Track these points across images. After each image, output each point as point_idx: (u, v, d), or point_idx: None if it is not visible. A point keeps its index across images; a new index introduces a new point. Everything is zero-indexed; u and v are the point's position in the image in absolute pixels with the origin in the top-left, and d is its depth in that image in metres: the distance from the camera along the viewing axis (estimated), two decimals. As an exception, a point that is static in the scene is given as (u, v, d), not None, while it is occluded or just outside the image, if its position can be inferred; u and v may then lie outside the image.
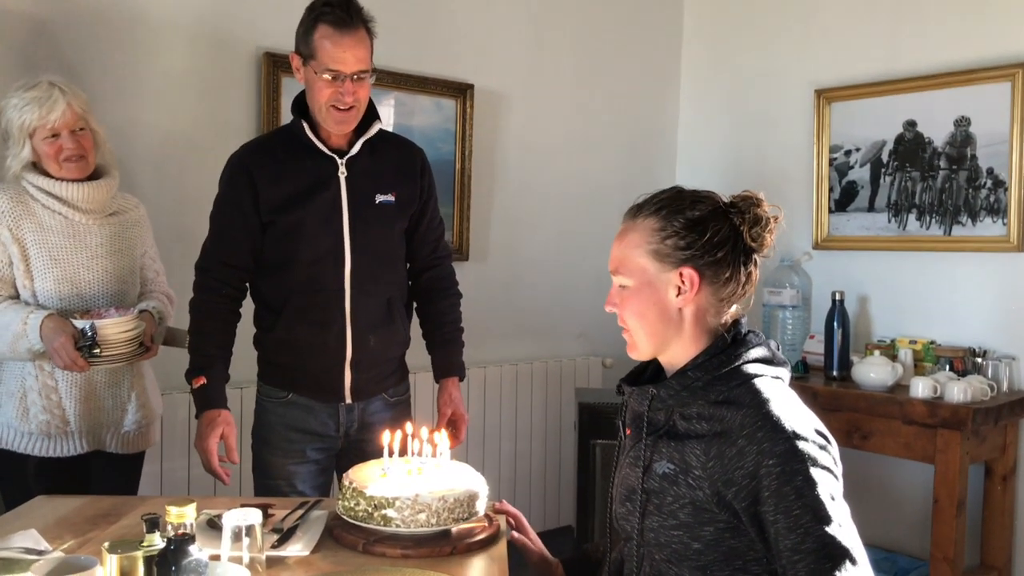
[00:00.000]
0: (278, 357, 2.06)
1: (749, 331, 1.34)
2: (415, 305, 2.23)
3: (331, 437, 2.07)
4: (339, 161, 2.01)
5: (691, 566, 1.27)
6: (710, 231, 1.29)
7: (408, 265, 2.19)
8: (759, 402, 1.24)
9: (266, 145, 2.07)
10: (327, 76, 1.90)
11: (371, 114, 2.04)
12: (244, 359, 2.12)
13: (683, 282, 1.30)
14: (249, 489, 2.58)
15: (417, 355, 2.26)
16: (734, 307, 1.35)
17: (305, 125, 1.98)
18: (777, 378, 1.31)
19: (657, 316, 1.32)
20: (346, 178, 2.01)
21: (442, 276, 2.22)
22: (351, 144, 2.02)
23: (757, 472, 1.19)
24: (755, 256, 1.33)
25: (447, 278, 2.23)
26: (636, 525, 1.32)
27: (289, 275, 2.01)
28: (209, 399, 1.98)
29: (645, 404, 1.35)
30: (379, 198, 2.04)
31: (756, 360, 1.30)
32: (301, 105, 2.02)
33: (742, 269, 1.32)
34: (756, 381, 1.27)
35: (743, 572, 1.26)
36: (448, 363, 2.21)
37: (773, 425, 1.21)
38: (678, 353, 1.34)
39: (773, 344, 1.36)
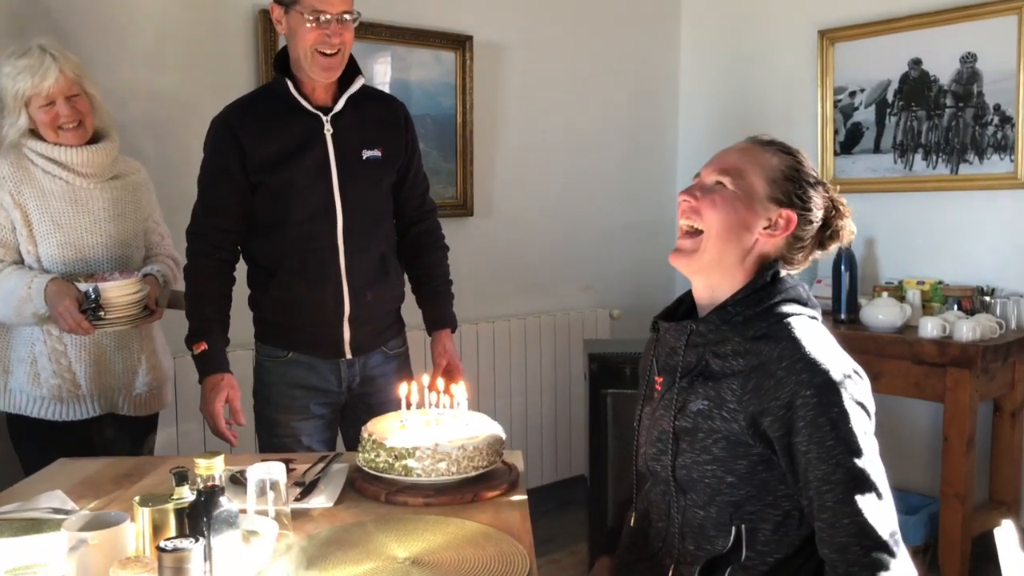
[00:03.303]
0: (276, 317, 2.06)
1: (787, 273, 1.37)
2: (405, 247, 2.22)
3: (334, 392, 2.09)
4: (324, 118, 1.99)
5: (723, 502, 1.29)
6: (822, 200, 1.37)
7: (398, 215, 2.19)
8: (796, 337, 1.26)
9: (249, 105, 2.04)
10: (312, 19, 1.88)
11: (354, 70, 2.03)
12: (244, 321, 2.13)
13: (778, 220, 1.34)
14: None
15: (417, 310, 2.27)
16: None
17: (289, 83, 1.97)
18: (813, 318, 1.33)
19: (736, 229, 1.33)
20: (332, 135, 2.00)
21: (430, 230, 2.23)
22: (335, 101, 2.01)
23: (793, 402, 1.21)
24: (817, 250, 1.41)
25: (434, 232, 2.24)
26: (668, 463, 1.33)
27: (282, 235, 2.01)
28: (211, 364, 1.99)
29: (682, 340, 1.35)
30: (366, 154, 2.04)
31: (792, 300, 1.32)
32: (283, 63, 2.01)
33: (813, 250, 1.40)
34: (792, 319, 1.29)
35: (773, 508, 1.28)
36: (440, 315, 2.22)
37: (811, 358, 1.23)
38: (722, 283, 1.34)
39: (807, 287, 1.38)
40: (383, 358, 2.13)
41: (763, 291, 1.32)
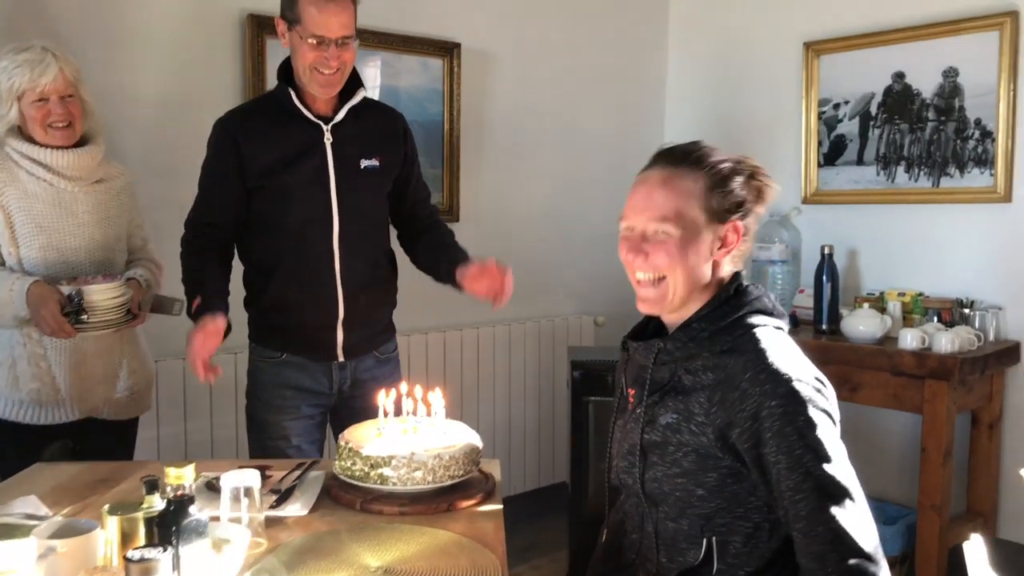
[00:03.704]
0: (271, 319, 2.10)
1: (749, 283, 1.38)
2: (415, 246, 2.25)
3: (325, 394, 2.12)
4: (325, 128, 2.04)
5: (694, 515, 1.30)
6: (751, 189, 1.36)
7: (405, 224, 2.25)
8: (761, 348, 1.27)
9: (252, 111, 2.10)
10: (312, 41, 1.92)
11: (355, 81, 2.07)
12: (239, 324, 2.13)
13: (727, 236, 1.34)
14: (246, 451, 2.60)
15: (405, 317, 2.29)
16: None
17: (291, 92, 2.01)
18: (779, 328, 1.34)
19: (696, 264, 1.34)
20: (332, 144, 2.04)
21: (434, 219, 2.28)
22: (336, 111, 2.05)
23: (759, 414, 1.22)
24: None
25: (440, 221, 2.29)
26: (637, 477, 1.34)
27: (279, 239, 2.05)
28: (205, 309, 1.93)
29: (650, 358, 1.36)
30: (364, 163, 2.08)
31: (758, 311, 1.33)
32: (286, 71, 2.05)
33: (754, 228, 1.40)
34: (758, 331, 1.30)
35: (744, 520, 1.29)
36: (458, 256, 2.14)
37: (775, 369, 1.24)
38: (692, 306, 1.36)
39: (771, 296, 1.38)
40: (374, 362, 2.17)
41: (727, 305, 1.33)
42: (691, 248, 1.33)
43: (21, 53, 1.99)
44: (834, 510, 1.18)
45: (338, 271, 2.05)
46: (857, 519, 1.19)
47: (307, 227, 2.03)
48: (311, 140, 2.02)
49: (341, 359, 2.10)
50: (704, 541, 1.29)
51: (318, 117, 2.03)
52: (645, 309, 1.38)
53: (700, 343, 1.32)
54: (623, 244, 1.38)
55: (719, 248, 1.35)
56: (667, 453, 1.31)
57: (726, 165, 1.35)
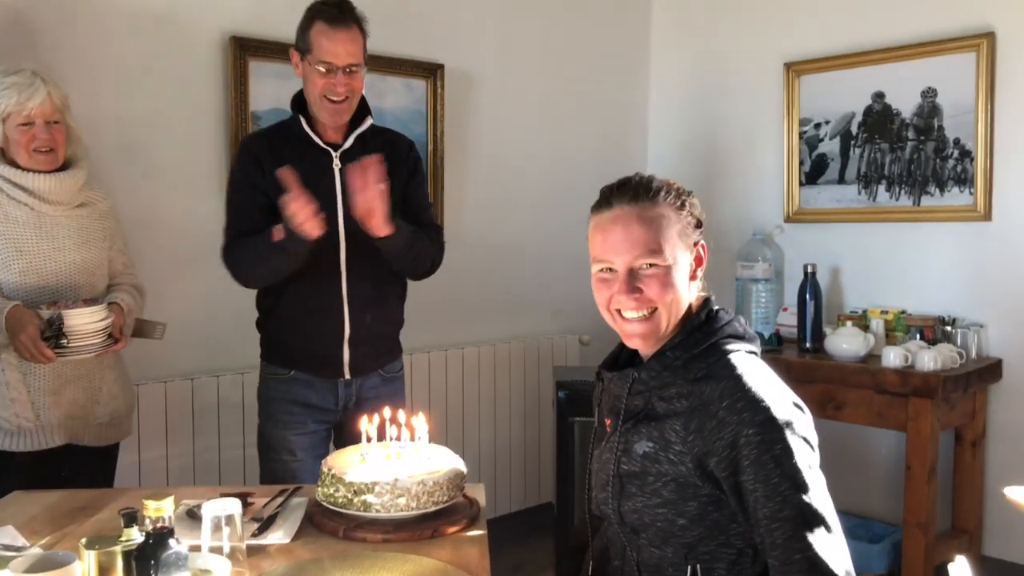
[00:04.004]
0: (280, 337, 2.18)
1: (719, 308, 1.38)
2: None
3: (331, 411, 2.18)
4: (334, 154, 2.12)
5: (677, 544, 1.29)
6: (695, 206, 1.38)
7: None
8: (737, 375, 1.26)
9: (270, 134, 2.21)
10: (321, 68, 2.03)
11: (364, 109, 2.17)
12: (251, 343, 2.21)
13: (699, 254, 1.37)
14: (233, 473, 2.58)
15: (411, 336, 2.32)
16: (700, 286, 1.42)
17: (302, 120, 2.11)
18: (752, 352, 1.34)
19: (682, 292, 1.35)
20: (340, 170, 2.10)
21: (427, 231, 2.21)
22: (345, 138, 2.14)
23: (736, 442, 1.21)
24: None
25: (431, 234, 2.22)
26: (615, 508, 1.34)
27: None
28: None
29: (625, 388, 1.36)
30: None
31: (730, 336, 1.33)
32: (299, 102, 2.15)
33: None
34: (732, 356, 1.30)
35: (726, 547, 1.28)
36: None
37: (752, 396, 1.23)
38: (669, 332, 1.36)
39: (742, 320, 1.39)
40: (380, 380, 2.23)
41: (699, 332, 1.33)
42: (679, 275, 1.34)
43: (10, 76, 2.00)
44: (810, 538, 1.18)
45: (345, 292, 2.12)
46: (833, 548, 1.19)
47: (315, 248, 2.06)
48: (321, 166, 2.10)
49: (347, 376, 2.16)
50: (688, 568, 1.28)
51: (328, 144, 2.12)
52: (637, 344, 1.38)
53: (674, 371, 1.31)
54: (604, 286, 1.36)
55: (696, 268, 1.37)
56: (646, 483, 1.30)
57: (672, 190, 1.36)
